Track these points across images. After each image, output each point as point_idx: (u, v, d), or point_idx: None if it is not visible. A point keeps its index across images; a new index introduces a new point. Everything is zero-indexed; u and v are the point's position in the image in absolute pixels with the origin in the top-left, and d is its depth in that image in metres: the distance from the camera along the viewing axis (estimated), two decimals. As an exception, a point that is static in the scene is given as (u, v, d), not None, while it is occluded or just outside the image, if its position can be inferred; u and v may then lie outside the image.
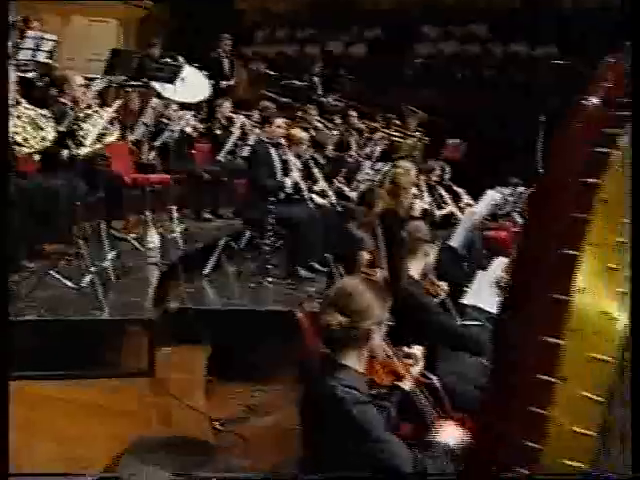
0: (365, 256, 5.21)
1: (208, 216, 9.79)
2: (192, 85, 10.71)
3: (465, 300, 5.62)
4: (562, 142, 1.38)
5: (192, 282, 7.76)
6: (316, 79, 13.83)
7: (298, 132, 9.21)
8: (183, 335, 6.61)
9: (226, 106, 10.80)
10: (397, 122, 12.68)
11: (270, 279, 7.83)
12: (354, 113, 12.54)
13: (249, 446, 5.39)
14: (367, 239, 5.35)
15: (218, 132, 10.37)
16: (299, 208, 8.11)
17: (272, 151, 8.21)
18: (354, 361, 3.04)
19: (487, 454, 1.29)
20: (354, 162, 10.15)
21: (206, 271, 8.06)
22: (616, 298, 1.37)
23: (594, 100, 1.39)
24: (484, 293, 5.52)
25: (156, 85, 9.74)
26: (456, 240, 7.15)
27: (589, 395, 1.34)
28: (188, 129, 9.90)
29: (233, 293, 7.67)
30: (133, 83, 9.70)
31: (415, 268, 5.08)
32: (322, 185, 8.93)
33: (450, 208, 9.77)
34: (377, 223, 6.37)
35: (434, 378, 3.97)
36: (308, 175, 8.85)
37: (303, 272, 7.91)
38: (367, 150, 10.64)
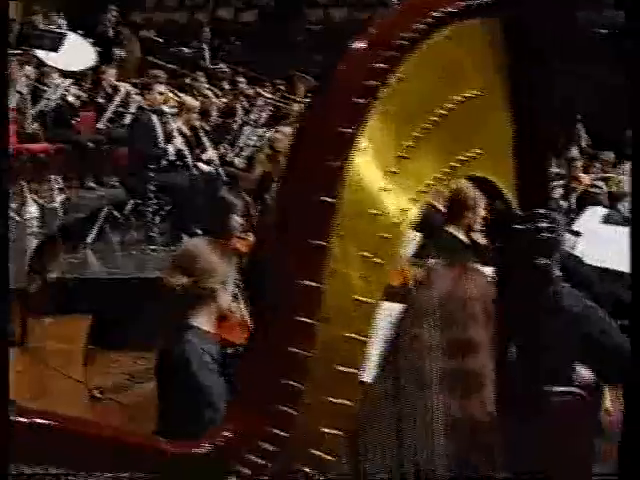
0: (238, 220, 5.25)
1: (92, 185, 9.70)
2: (76, 53, 10.57)
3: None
4: (322, 94, 1.44)
5: (75, 252, 7.71)
6: (205, 46, 13.75)
7: (190, 100, 9.20)
8: (64, 305, 6.57)
9: (111, 74, 10.68)
10: (285, 88, 12.72)
11: (154, 247, 7.83)
12: (243, 79, 12.53)
13: (128, 412, 5.42)
14: (240, 204, 5.39)
15: (102, 101, 10.25)
16: (182, 175, 8.10)
17: (154, 118, 8.17)
18: (202, 321, 3.08)
19: (249, 392, 1.35)
20: (238, 129, 10.17)
21: (89, 240, 8.00)
22: (379, 243, 1.44)
23: (357, 49, 1.45)
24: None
25: (40, 53, 9.59)
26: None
27: (354, 336, 1.41)
28: (70, 98, 9.76)
29: (117, 262, 7.65)
30: (13, 51, 9.53)
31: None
32: (210, 153, 8.93)
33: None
34: (253, 188, 6.42)
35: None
36: (196, 142, 8.84)
37: (187, 239, 7.92)
38: (253, 116, 10.66)
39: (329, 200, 1.38)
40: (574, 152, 11.95)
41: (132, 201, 8.27)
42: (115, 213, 8.36)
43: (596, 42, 16.01)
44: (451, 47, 1.56)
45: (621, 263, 6.20)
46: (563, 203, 8.91)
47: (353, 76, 1.43)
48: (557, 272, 4.53)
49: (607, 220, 6.98)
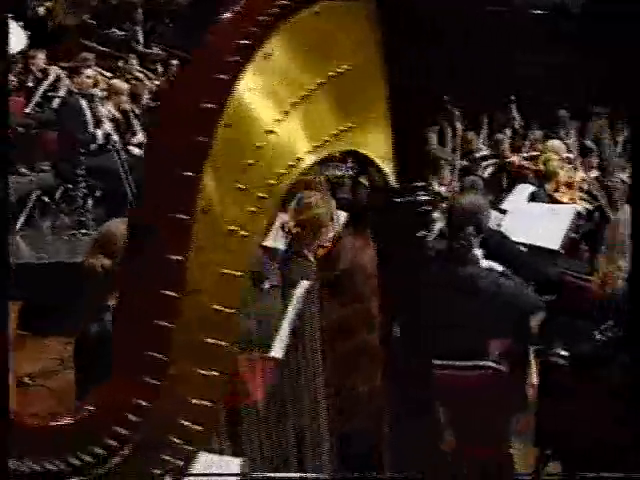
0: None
1: (22, 170, 9.58)
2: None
3: (265, 242, 5.74)
4: (185, 70, 1.46)
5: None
6: (138, 28, 13.62)
7: (118, 83, 9.12)
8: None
9: (40, 57, 10.52)
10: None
11: (85, 231, 7.78)
12: (176, 62, 12.43)
13: (56, 397, 5.39)
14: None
15: (31, 85, 10.11)
16: (112, 159, 8.05)
17: (83, 102, 8.11)
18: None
19: (116, 364, 1.37)
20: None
21: (18, 225, 7.93)
22: (246, 217, 1.47)
23: (221, 25, 1.47)
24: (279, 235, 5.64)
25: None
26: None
27: (220, 308, 1.44)
28: (-2, 82, 9.60)
29: (47, 247, 7.59)
30: None
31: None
32: (140, 136, 8.88)
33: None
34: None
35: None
36: (126, 126, 8.78)
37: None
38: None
39: (194, 175, 1.40)
40: (506, 132, 12.08)
41: (62, 186, 8.19)
42: (44, 198, 8.28)
43: (533, 23, 16.15)
44: (321, 22, 1.59)
45: (546, 239, 6.32)
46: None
47: (216, 52, 1.45)
48: (478, 250, 4.61)
49: (533, 198, 7.10)
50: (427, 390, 1.85)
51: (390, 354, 1.83)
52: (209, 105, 1.42)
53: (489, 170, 8.89)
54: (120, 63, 11.79)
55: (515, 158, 9.53)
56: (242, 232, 1.46)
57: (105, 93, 8.34)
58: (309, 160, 1.55)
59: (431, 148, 8.96)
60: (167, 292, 1.37)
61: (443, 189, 7.31)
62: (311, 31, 1.57)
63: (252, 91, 1.49)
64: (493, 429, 3.92)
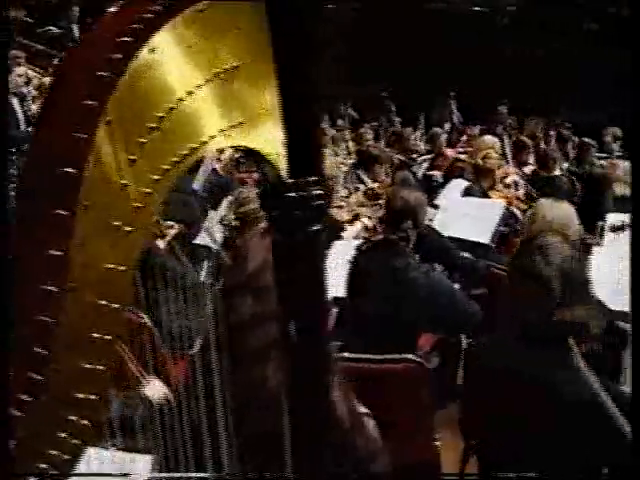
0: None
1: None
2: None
3: (197, 240, 5.76)
4: (65, 67, 1.48)
5: None
6: (74, 26, 13.53)
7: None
8: None
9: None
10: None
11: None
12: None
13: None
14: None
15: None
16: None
17: (14, 101, 8.05)
18: None
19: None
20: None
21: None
22: (131, 212, 1.49)
23: (103, 21, 1.49)
24: (215, 232, 5.68)
25: None
26: (197, 183, 7.29)
27: (105, 303, 1.46)
28: None
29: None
30: None
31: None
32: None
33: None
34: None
35: (144, 316, 4.05)
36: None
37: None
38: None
39: (75, 171, 1.42)
40: (444, 127, 12.22)
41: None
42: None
43: (472, 20, 16.34)
44: (208, 19, 1.61)
45: (476, 234, 6.41)
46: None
47: (96, 49, 1.47)
48: (409, 245, 4.67)
49: (467, 192, 7.19)
50: (324, 388, 1.87)
51: (288, 352, 1.85)
52: (90, 102, 1.43)
53: (425, 165, 8.97)
54: (56, 61, 11.70)
55: (450, 152, 9.63)
56: (127, 227, 1.48)
57: (37, 92, 8.29)
58: (195, 158, 1.58)
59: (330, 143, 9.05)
60: (49, 288, 1.38)
61: (376, 185, 7.37)
62: (197, 28, 1.59)
63: (134, 87, 1.50)
64: (416, 423, 3.97)
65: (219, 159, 7.69)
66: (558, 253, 2.90)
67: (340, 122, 13.24)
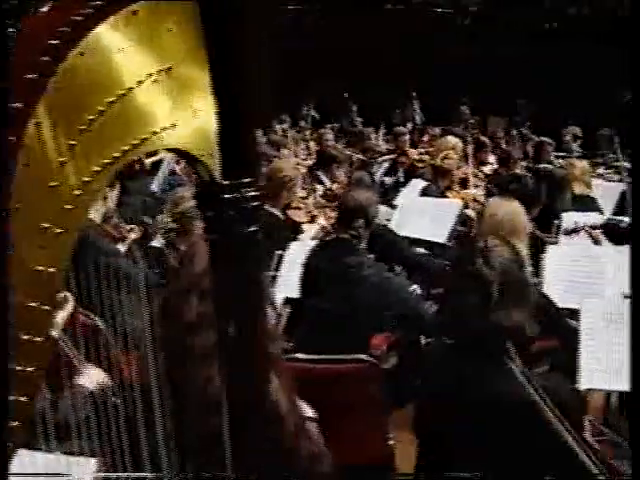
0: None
1: None
2: None
3: (154, 242, 5.75)
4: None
5: None
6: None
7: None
8: None
9: None
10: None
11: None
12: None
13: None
14: None
15: None
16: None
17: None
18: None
19: None
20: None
21: None
22: (60, 214, 1.50)
23: (32, 22, 1.49)
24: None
25: None
26: (156, 185, 7.28)
27: (35, 305, 1.47)
28: None
29: None
30: None
31: (95, 211, 5.16)
32: None
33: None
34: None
35: (97, 319, 4.05)
36: None
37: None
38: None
39: (3, 174, 1.43)
40: (406, 126, 12.28)
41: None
42: None
43: (433, 20, 16.42)
44: (141, 21, 1.62)
45: (432, 233, 6.46)
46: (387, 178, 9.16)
47: (27, 51, 1.48)
48: (361, 243, 4.70)
49: (425, 192, 7.24)
50: (263, 389, 1.89)
51: (225, 353, 1.86)
52: (18, 105, 1.44)
53: (385, 165, 9.02)
54: None
55: (411, 152, 9.68)
56: (56, 229, 1.49)
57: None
58: (125, 161, 1.59)
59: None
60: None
61: (335, 186, 7.40)
62: (131, 30, 1.60)
63: (65, 89, 1.51)
64: (369, 422, 4.00)
65: (178, 161, 7.69)
66: (499, 256, 2.93)
67: (302, 123, 13.26)
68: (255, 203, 1.82)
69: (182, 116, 1.70)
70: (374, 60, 14.55)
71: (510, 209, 4.76)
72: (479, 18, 16.33)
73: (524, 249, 4.61)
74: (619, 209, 7.82)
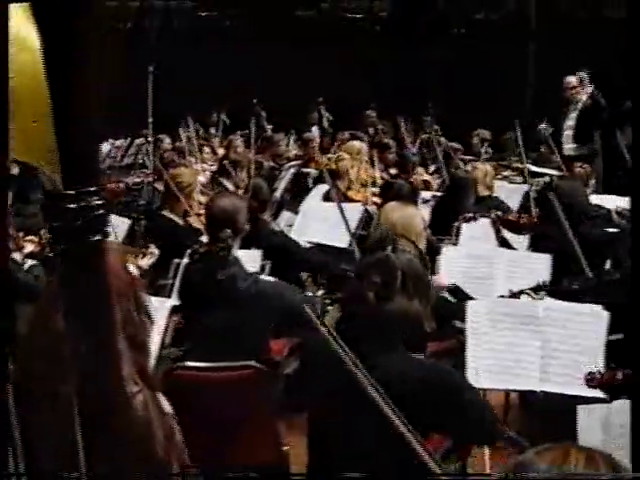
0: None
1: None
2: None
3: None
4: None
5: None
6: None
7: None
8: None
9: None
10: None
11: None
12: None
13: None
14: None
15: None
16: None
17: None
18: None
19: None
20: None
21: None
22: None
23: None
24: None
25: None
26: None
27: None
28: None
29: None
30: None
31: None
32: None
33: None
34: None
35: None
36: None
37: None
38: None
39: None
40: (314, 132, 12.32)
41: None
42: None
43: (342, 26, 16.50)
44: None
45: (334, 238, 6.50)
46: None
47: None
48: (231, 254, 4.61)
49: (327, 197, 7.29)
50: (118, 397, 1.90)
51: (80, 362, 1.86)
52: None
53: (292, 171, 9.05)
54: None
55: (320, 158, 9.72)
56: None
57: None
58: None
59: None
60: None
61: (240, 192, 7.40)
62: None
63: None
64: (261, 428, 4.01)
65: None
66: (404, 251, 3.00)
67: (212, 130, 13.21)
68: (100, 212, 1.83)
69: (21, 127, 1.69)
70: (283, 66, 14.58)
71: (405, 213, 4.81)
72: (389, 24, 16.46)
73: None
74: (523, 209, 7.98)
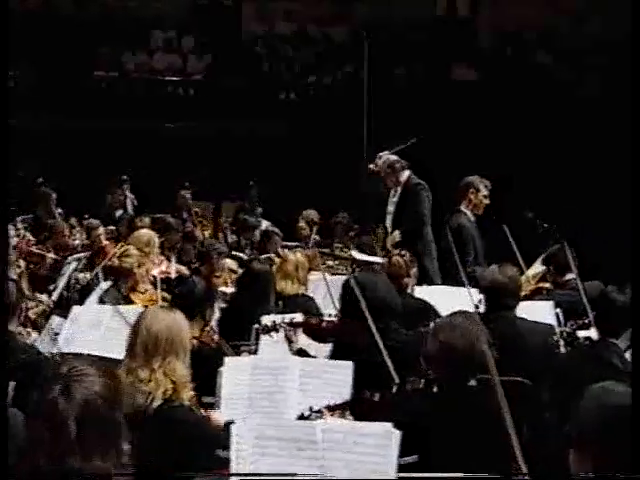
0: None
1: None
2: None
3: None
4: None
5: None
6: None
7: None
8: None
9: None
10: None
11: None
12: None
13: None
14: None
15: None
16: None
17: None
18: None
19: None
20: None
21: None
22: None
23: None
24: None
25: None
26: None
27: None
28: None
29: None
30: None
31: None
32: None
33: None
34: None
35: None
36: None
37: None
38: None
39: None
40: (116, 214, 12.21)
41: None
42: None
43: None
44: None
45: (110, 348, 6.27)
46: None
47: None
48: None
49: (102, 299, 7.11)
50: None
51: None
52: None
53: (74, 265, 8.83)
54: None
55: (109, 248, 9.43)
56: None
57: None
58: None
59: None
60: None
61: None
62: None
63: None
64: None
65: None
66: None
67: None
68: None
69: None
70: (83, 141, 14.52)
71: (169, 323, 4.63)
72: (203, 88, 16.58)
73: (184, 370, 4.52)
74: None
